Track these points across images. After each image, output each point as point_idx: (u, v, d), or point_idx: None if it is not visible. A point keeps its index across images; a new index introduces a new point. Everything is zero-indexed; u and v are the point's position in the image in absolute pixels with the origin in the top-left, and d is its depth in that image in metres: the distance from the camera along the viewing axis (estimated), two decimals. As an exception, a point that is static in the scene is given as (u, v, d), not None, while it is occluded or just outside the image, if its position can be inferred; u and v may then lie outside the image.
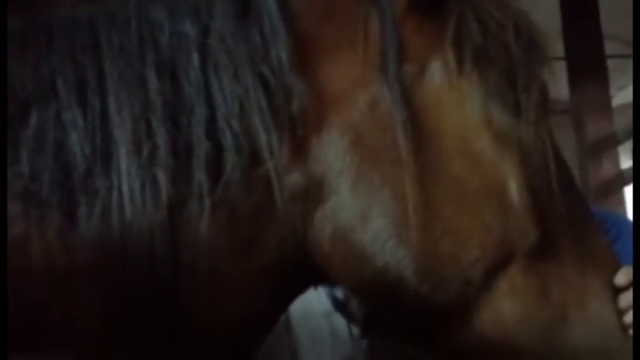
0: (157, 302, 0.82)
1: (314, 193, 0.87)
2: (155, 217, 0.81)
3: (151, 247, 0.81)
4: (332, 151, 0.87)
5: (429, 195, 0.86)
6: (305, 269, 0.90)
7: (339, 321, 1.44)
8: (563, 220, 0.92)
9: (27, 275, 0.80)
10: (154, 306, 0.82)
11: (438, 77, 0.90)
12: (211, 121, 0.84)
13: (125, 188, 0.81)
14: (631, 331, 0.92)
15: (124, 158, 0.82)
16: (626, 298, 0.93)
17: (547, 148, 0.93)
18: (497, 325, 0.88)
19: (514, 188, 0.88)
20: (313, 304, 1.47)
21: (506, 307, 0.88)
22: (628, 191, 3.72)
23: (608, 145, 3.57)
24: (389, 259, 0.86)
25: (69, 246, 0.80)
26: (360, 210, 0.86)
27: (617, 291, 0.93)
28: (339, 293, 1.32)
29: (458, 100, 0.90)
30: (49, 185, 0.81)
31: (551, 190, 0.91)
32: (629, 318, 0.92)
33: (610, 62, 3.63)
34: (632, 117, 3.01)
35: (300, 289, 1.00)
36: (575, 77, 3.57)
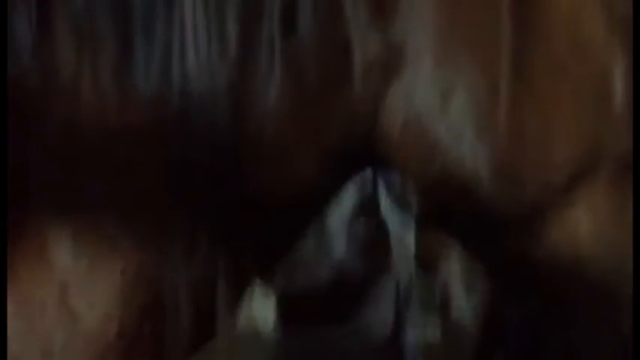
0: (219, 168, 0.76)
1: (392, 63, 0.77)
2: (221, 73, 0.73)
3: (213, 107, 0.74)
4: (419, 14, 0.76)
5: (524, 79, 0.76)
6: (369, 153, 0.83)
7: None
8: None
9: (77, 125, 0.73)
10: (216, 172, 0.76)
11: None
12: None
13: (189, 35, 0.72)
14: None
15: (189, 1, 0.72)
16: None
17: None
18: (569, 241, 0.81)
19: (620, 86, 0.78)
20: None
21: (581, 223, 0.81)
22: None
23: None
24: (465, 152, 0.78)
25: (125, 95, 0.73)
26: (441, 89, 0.77)
27: None
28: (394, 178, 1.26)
29: None
30: (106, 16, 0.73)
31: None
32: None
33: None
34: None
35: (359, 170, 0.93)
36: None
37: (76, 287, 0.74)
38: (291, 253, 0.90)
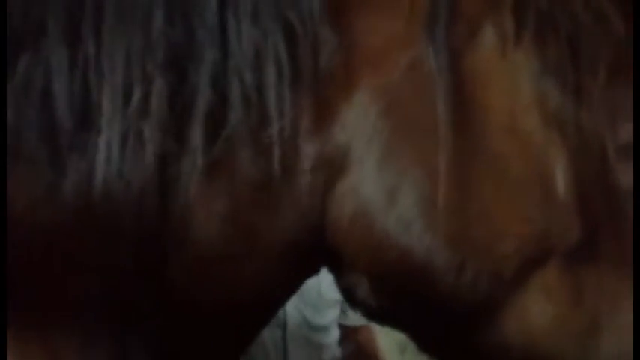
0: (146, 274, 0.73)
1: (338, 163, 0.77)
2: (143, 174, 0.72)
3: (138, 206, 0.72)
4: (362, 117, 0.76)
5: (465, 174, 0.75)
6: (320, 251, 0.80)
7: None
8: (608, 216, 0.79)
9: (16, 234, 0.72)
10: (143, 279, 0.73)
11: (490, 43, 0.77)
12: (221, 70, 0.73)
13: (102, 145, 0.72)
14: None
15: (108, 107, 0.72)
16: None
17: (606, 138, 0.79)
18: (523, 330, 0.78)
19: (561, 179, 0.76)
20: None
21: (535, 310, 0.77)
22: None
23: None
24: (414, 243, 0.76)
25: (57, 205, 0.72)
26: (386, 185, 0.76)
27: None
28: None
29: (510, 72, 0.77)
30: (36, 142, 0.72)
31: (604, 186, 0.78)
32: None
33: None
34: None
35: (311, 273, 0.89)
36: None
37: None
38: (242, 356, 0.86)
